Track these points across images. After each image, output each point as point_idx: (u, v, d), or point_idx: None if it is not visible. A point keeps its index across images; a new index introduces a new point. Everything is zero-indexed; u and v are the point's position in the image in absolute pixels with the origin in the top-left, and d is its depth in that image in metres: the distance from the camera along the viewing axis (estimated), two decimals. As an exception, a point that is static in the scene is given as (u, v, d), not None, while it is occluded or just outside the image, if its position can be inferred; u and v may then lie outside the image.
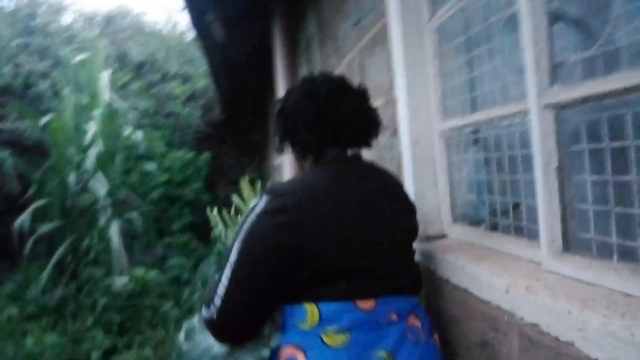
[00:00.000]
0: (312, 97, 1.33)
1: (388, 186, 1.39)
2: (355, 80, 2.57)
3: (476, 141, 1.63)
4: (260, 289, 1.16)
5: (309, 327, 1.15)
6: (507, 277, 1.18)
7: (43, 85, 7.18)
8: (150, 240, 7.54)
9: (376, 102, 2.19)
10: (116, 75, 8.73)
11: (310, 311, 1.15)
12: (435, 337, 1.34)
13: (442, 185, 1.78)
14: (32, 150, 7.48)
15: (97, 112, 6.60)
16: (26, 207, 6.17)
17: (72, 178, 6.24)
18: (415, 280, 1.35)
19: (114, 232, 5.76)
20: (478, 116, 1.51)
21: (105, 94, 7.01)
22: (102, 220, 6.02)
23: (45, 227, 6.01)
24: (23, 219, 5.87)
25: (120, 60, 9.58)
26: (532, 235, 1.26)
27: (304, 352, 1.14)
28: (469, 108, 1.62)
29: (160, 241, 7.81)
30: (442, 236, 1.74)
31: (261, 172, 9.10)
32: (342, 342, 1.13)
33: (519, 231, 1.36)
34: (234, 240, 1.19)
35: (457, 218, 1.74)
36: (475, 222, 1.64)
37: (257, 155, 9.74)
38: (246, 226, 1.18)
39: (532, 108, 1.16)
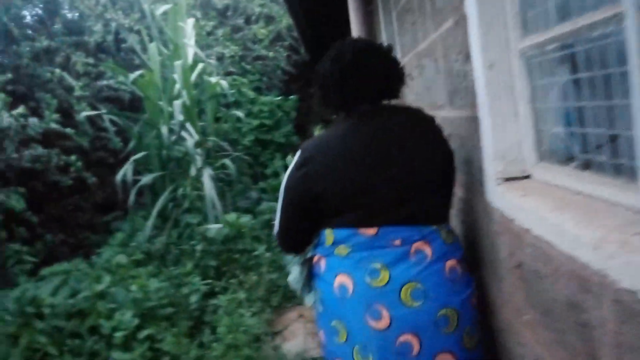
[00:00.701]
0: (337, 61, 1.64)
1: (412, 129, 1.66)
2: None
3: (564, 60, 1.33)
4: (298, 218, 1.72)
5: (328, 244, 1.66)
6: (596, 230, 0.95)
7: (132, 40, 7.36)
8: (245, 185, 7.71)
9: (445, 24, 1.91)
10: (200, 22, 8.77)
11: (328, 235, 1.66)
12: (451, 264, 1.59)
13: (523, 116, 1.50)
14: (130, 105, 7.83)
15: (182, 63, 6.66)
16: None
17: (165, 129, 6.42)
18: (431, 212, 1.63)
19: (206, 180, 5.89)
20: (564, 27, 1.20)
21: (190, 44, 7.06)
22: (193, 169, 6.18)
23: (145, 179, 6.28)
24: (124, 171, 6.15)
25: (204, 7, 9.59)
26: (632, 175, 0.99)
27: (325, 258, 1.69)
28: (555, 18, 1.30)
29: (255, 186, 7.97)
30: (524, 177, 1.49)
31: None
32: (347, 252, 1.61)
33: (616, 170, 1.09)
34: (283, 183, 1.73)
35: (542, 155, 1.46)
36: (564, 159, 1.36)
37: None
38: (286, 176, 1.71)
39: (628, 9, 0.87)
